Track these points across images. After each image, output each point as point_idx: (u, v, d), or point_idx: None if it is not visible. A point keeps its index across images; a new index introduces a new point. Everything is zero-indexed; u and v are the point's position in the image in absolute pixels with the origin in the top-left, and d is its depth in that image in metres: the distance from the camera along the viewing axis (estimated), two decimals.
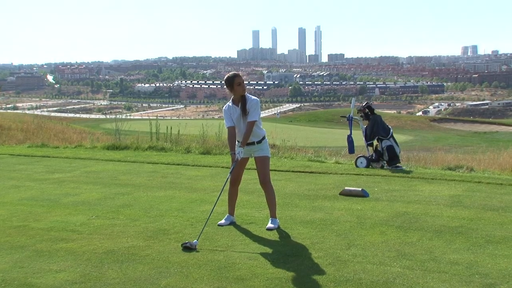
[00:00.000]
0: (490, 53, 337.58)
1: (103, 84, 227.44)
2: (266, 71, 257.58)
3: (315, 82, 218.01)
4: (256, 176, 5.66)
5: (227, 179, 5.47)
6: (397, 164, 9.73)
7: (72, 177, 9.09)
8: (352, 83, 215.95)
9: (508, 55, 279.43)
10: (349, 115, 10.54)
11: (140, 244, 5.00)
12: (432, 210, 6.18)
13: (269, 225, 5.45)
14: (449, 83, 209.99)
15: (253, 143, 5.43)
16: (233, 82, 5.34)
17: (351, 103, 11.26)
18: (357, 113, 10.56)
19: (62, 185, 8.35)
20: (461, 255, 4.53)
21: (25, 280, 4.18)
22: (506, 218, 5.76)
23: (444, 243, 4.89)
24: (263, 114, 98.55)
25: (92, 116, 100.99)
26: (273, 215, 5.53)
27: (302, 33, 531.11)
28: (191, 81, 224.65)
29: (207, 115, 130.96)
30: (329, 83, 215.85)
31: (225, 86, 5.55)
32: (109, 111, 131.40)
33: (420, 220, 5.72)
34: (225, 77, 5.41)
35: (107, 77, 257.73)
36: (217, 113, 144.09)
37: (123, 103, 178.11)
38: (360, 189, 7.19)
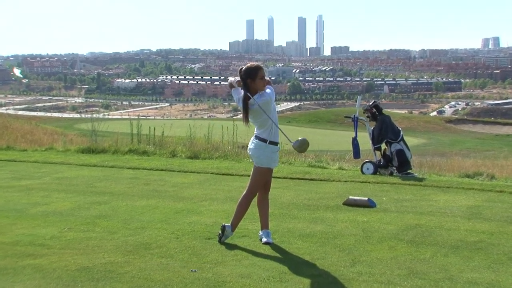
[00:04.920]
0: None
1: (77, 79, 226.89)
2: (262, 65, 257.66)
3: (317, 78, 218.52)
4: (245, 183, 5.63)
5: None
6: (408, 171, 9.76)
7: (41, 184, 9.04)
8: (358, 79, 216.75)
9: None
10: (354, 116, 10.56)
11: (119, 260, 4.97)
12: (447, 223, 6.19)
13: (267, 239, 5.43)
14: (467, 80, 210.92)
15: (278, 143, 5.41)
16: (256, 74, 5.23)
17: (356, 101, 11.30)
18: (363, 113, 10.58)
19: (30, 193, 8.30)
20: (481, 274, 4.54)
21: None
22: None
23: (461, 260, 4.89)
24: None
25: (65, 115, 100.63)
26: (267, 227, 5.53)
27: (302, 23, 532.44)
28: (178, 77, 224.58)
29: (195, 114, 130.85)
30: (332, 79, 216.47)
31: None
32: (84, 110, 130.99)
33: (434, 234, 5.73)
34: (245, 67, 5.30)
35: (82, 71, 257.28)
36: (206, 112, 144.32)
37: (100, 100, 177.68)
38: (366, 198, 7.20)
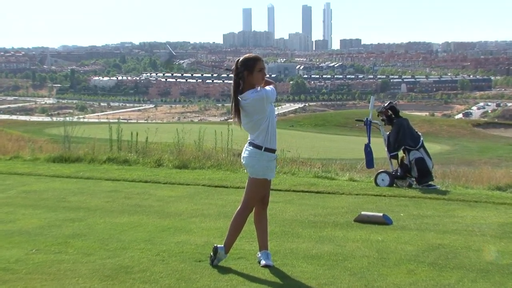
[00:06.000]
0: None
1: (48, 77, 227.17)
2: None
3: (324, 76, 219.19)
4: (242, 197, 5.62)
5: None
6: (430, 182, 9.76)
7: (5, 199, 9.01)
8: (371, 76, 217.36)
9: None
10: (366, 119, 10.57)
11: (95, 287, 4.96)
12: (475, 243, 6.19)
13: (266, 261, 5.42)
14: (498, 77, 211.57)
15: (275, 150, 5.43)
16: (253, 66, 5.28)
17: (369, 102, 11.32)
18: (378, 115, 10.60)
19: None
20: None
21: None
22: None
23: (492, 286, 4.89)
24: None
25: (34, 118, 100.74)
26: (266, 247, 5.53)
27: (306, 12, 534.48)
28: (164, 74, 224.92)
29: (184, 117, 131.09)
30: (341, 76, 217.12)
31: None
32: (56, 112, 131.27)
33: (460, 256, 5.72)
34: (242, 58, 5.34)
35: (53, 67, 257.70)
36: (197, 115, 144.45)
37: (74, 101, 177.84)
38: (381, 214, 7.19)
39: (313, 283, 4.98)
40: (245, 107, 5.26)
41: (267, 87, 5.33)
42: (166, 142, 15.11)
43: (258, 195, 5.44)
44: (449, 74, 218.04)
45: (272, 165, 5.38)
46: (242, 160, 5.49)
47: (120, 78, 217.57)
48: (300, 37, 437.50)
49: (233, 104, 5.34)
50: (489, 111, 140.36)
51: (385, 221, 7.03)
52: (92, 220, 7.46)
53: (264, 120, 5.26)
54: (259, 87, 5.30)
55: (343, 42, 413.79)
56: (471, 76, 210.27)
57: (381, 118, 10.52)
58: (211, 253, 5.44)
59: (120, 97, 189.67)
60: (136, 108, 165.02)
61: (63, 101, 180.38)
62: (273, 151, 5.34)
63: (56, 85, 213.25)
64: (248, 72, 5.27)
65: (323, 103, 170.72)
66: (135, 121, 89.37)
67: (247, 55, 5.44)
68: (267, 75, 5.51)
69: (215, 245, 5.47)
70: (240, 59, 5.38)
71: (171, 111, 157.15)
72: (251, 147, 5.34)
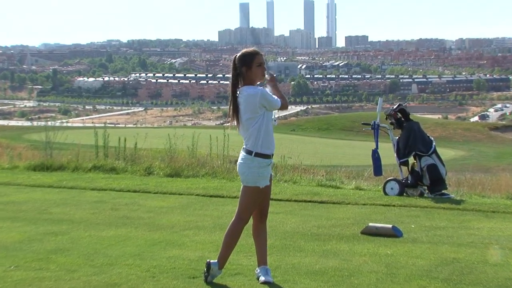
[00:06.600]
0: None
1: (28, 78, 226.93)
2: None
3: (328, 76, 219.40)
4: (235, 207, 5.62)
5: None
6: (443, 191, 9.77)
7: None
8: (379, 76, 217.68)
9: None
10: (374, 122, 10.59)
11: None
12: (493, 257, 6.19)
13: (265, 277, 5.42)
14: None
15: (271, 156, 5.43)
16: (252, 60, 5.32)
17: (377, 105, 11.33)
18: (386, 119, 10.61)
19: None
20: None
21: None
22: None
23: None
24: None
25: (12, 122, 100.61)
26: (265, 262, 5.52)
27: (309, 6, 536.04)
28: (154, 74, 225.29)
29: (177, 121, 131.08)
30: (347, 76, 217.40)
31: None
32: (36, 116, 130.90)
33: (476, 271, 5.73)
34: (239, 54, 5.39)
35: (34, 67, 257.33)
36: (190, 118, 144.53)
37: (57, 104, 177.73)
38: (390, 226, 7.20)
39: None
40: (239, 103, 5.29)
41: (273, 95, 5.34)
42: (157, 148, 15.13)
43: (252, 205, 5.42)
44: (464, 74, 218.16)
45: (265, 171, 5.33)
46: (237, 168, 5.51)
47: (106, 78, 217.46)
48: (302, 34, 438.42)
49: (231, 105, 5.35)
50: (508, 113, 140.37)
51: (394, 234, 7.03)
52: (76, 233, 7.46)
53: (255, 121, 5.25)
54: (262, 86, 5.33)
55: (348, 39, 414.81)
56: (487, 76, 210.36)
57: (390, 121, 10.53)
58: (205, 269, 5.44)
59: (106, 100, 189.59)
60: (124, 112, 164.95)
61: (44, 104, 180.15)
62: (266, 156, 5.31)
63: (36, 86, 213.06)
64: (246, 68, 5.31)
65: (327, 105, 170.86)
66: (123, 125, 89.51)
67: (244, 50, 5.47)
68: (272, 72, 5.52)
69: (208, 260, 5.46)
70: (238, 55, 5.41)
71: (162, 114, 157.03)
72: (243, 153, 5.36)
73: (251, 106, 5.23)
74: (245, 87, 5.31)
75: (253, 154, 5.28)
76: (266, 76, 5.40)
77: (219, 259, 5.44)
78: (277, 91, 5.42)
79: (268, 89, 5.39)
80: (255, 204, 5.42)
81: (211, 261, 5.42)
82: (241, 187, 5.45)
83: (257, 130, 5.26)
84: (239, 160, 5.41)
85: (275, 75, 5.57)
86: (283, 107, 5.40)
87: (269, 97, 5.28)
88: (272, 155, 5.39)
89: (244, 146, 5.37)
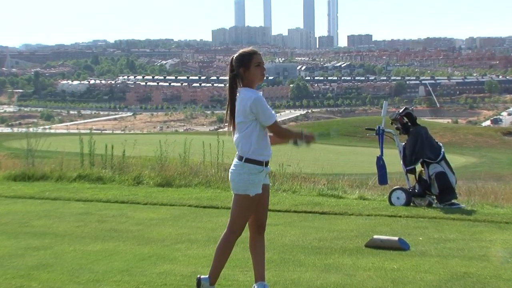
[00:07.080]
0: None
1: (7, 81, 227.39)
2: None
3: (329, 78, 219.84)
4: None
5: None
6: (453, 201, 9.77)
7: None
8: (384, 78, 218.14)
9: None
10: (379, 127, 10.60)
11: None
12: (507, 271, 6.19)
13: None
14: None
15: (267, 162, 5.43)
16: (250, 60, 5.34)
17: (382, 108, 11.35)
18: (391, 123, 10.62)
19: None
20: None
21: None
22: None
23: None
24: None
25: None
26: (262, 278, 5.51)
27: (308, 4, 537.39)
28: (143, 77, 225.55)
29: (168, 127, 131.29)
30: (349, 78, 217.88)
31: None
32: (17, 122, 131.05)
33: (488, 286, 5.73)
34: (236, 55, 5.40)
35: (14, 70, 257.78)
36: (182, 123, 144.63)
37: (39, 109, 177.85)
38: (396, 238, 7.20)
39: None
40: (236, 105, 5.33)
41: (272, 111, 5.35)
42: (147, 156, 15.11)
43: (243, 216, 5.39)
44: (475, 75, 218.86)
45: (255, 179, 5.28)
46: None
47: (92, 81, 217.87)
48: (301, 33, 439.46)
49: (228, 109, 5.36)
50: None
51: (401, 246, 7.03)
52: (59, 248, 7.44)
53: (246, 125, 5.25)
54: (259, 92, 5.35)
55: (351, 38, 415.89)
56: (500, 77, 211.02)
57: (396, 126, 10.54)
58: (196, 285, 5.42)
59: (92, 104, 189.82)
60: (112, 117, 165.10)
61: (25, 109, 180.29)
62: (257, 163, 5.30)
63: (17, 90, 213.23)
64: (244, 69, 5.33)
65: (328, 109, 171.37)
66: (110, 131, 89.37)
67: (242, 50, 5.48)
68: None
69: (198, 276, 5.44)
70: (235, 56, 5.43)
71: (152, 119, 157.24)
72: (235, 159, 5.37)
73: (243, 109, 5.25)
74: (244, 89, 5.33)
75: (243, 160, 5.27)
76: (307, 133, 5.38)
77: (210, 275, 5.42)
78: (291, 134, 5.43)
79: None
80: (247, 215, 5.38)
81: (202, 276, 5.39)
82: (232, 196, 5.44)
83: (249, 135, 5.25)
84: (231, 167, 5.40)
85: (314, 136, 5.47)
86: (279, 135, 5.39)
87: (262, 107, 5.24)
88: (267, 163, 5.35)
89: (237, 153, 5.39)
